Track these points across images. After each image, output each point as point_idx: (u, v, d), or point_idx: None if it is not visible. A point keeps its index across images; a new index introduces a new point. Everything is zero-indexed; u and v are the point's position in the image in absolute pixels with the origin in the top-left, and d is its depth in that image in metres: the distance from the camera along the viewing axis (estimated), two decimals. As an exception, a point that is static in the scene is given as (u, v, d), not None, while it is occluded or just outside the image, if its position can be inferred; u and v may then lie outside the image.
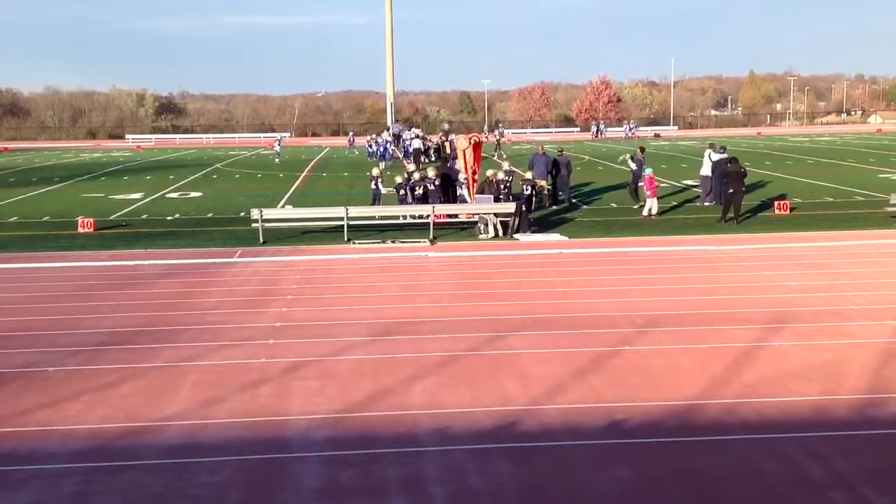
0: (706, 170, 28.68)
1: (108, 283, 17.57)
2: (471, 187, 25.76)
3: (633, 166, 28.84)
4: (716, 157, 28.08)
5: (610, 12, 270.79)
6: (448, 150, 42.89)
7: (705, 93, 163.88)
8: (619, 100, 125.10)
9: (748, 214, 25.63)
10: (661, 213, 26.12)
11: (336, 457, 8.79)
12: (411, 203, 25.06)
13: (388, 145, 52.13)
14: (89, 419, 9.89)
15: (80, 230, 24.58)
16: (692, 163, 45.30)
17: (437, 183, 25.35)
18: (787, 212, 25.99)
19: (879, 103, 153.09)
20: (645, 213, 26.00)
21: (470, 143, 25.83)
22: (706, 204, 28.26)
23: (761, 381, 10.84)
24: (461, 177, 25.92)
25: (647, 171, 26.59)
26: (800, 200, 28.82)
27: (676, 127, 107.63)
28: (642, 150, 30.35)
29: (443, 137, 43.57)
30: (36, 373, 11.66)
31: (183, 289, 16.96)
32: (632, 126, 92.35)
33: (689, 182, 34.48)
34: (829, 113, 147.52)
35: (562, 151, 30.55)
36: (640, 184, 28.24)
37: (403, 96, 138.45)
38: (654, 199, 26.06)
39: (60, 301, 15.99)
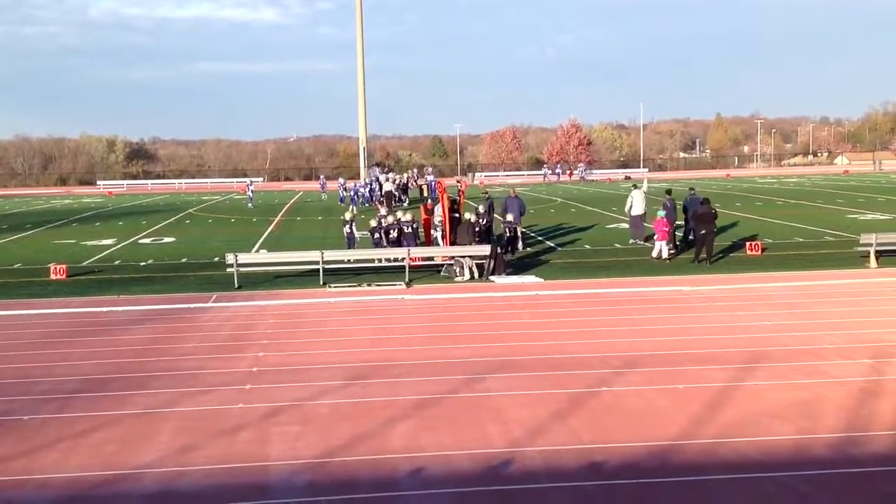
0: (636, 209, 29.37)
1: (82, 330, 17.41)
2: (446, 231, 25.88)
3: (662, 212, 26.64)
4: (639, 195, 29.25)
5: (579, 57, 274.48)
6: (426, 193, 43.17)
7: (673, 135, 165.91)
8: (589, 142, 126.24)
9: (720, 255, 25.88)
10: (670, 257, 25.59)
11: (317, 503, 8.72)
12: (386, 246, 25.11)
13: (359, 189, 51.95)
14: (66, 468, 9.76)
15: (53, 277, 24.37)
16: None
17: (413, 226, 25.45)
18: (759, 252, 26.28)
19: (845, 145, 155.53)
20: (654, 254, 25.59)
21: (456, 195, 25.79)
22: (637, 244, 29.09)
23: (738, 421, 10.90)
24: (436, 220, 25.99)
25: (660, 214, 25.98)
26: (771, 241, 29.15)
27: (647, 169, 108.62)
28: (668, 192, 28.63)
29: (417, 180, 43.90)
30: (10, 421, 11.50)
31: (157, 335, 16.83)
32: (583, 168, 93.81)
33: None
34: (795, 154, 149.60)
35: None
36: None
37: (375, 140, 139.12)
38: (663, 243, 25.61)
39: (33, 349, 15.81)
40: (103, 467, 9.74)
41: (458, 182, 26.57)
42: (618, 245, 29.54)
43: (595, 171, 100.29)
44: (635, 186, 30.52)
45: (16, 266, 27.57)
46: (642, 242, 29.09)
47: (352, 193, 50.44)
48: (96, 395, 12.69)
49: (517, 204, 28.65)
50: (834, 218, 37.13)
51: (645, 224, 29.71)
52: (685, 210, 28.13)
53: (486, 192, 31.68)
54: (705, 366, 13.50)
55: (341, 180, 52.93)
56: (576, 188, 69.17)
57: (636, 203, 29.44)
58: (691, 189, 30.41)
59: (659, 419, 11.02)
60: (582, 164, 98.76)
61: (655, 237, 25.99)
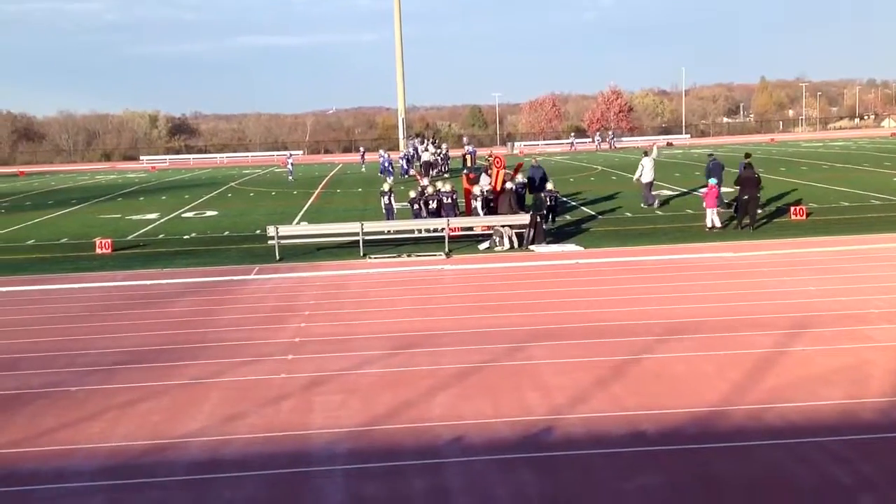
0: (647, 177, 30.12)
1: (127, 303, 17.65)
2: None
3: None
4: (649, 163, 30.01)
5: (618, 23, 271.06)
6: (469, 164, 43.00)
7: (717, 100, 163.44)
8: (630, 109, 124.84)
9: (764, 220, 25.53)
10: (724, 225, 24.74)
11: (359, 470, 8.79)
12: (425, 217, 25.08)
13: (394, 160, 51.45)
14: (112, 437, 9.92)
15: (98, 251, 24.71)
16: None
17: (453, 196, 25.36)
18: (804, 217, 25.89)
19: (892, 107, 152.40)
20: (708, 224, 24.53)
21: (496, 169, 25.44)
22: (652, 206, 30.28)
23: (784, 386, 10.78)
24: (476, 190, 25.68)
25: (711, 181, 25.22)
26: (815, 205, 28.70)
27: (689, 135, 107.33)
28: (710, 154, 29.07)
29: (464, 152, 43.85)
30: (57, 392, 11.71)
31: (201, 307, 17.02)
32: (610, 136, 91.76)
33: (703, 190, 34.36)
34: (841, 118, 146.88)
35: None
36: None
37: (414, 111, 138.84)
38: (714, 210, 24.68)
39: (79, 321, 16.07)
40: (149, 436, 9.89)
41: (489, 158, 26.26)
42: (658, 213, 29.27)
43: (624, 139, 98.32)
44: (645, 154, 30.95)
45: (62, 241, 27.99)
46: (655, 205, 30.24)
47: (387, 164, 50.25)
48: (141, 366, 12.87)
49: (540, 172, 28.62)
50: (880, 181, 36.44)
51: (698, 194, 29.47)
52: (707, 176, 27.78)
53: (535, 160, 31.55)
54: (750, 332, 13.35)
55: (381, 152, 52.87)
56: (617, 156, 68.54)
57: (646, 170, 30.09)
58: (711, 155, 30.13)
59: (703, 385, 10.94)
60: (609, 132, 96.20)
61: (706, 205, 25.03)
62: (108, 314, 16.64)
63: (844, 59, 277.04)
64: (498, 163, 25.28)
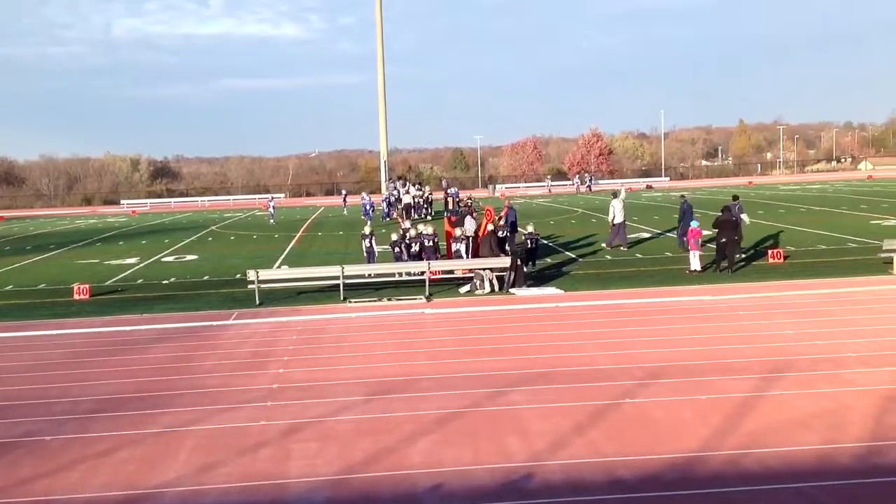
0: (618, 218, 30.74)
1: (104, 350, 17.51)
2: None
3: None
4: (619, 204, 30.66)
5: (599, 66, 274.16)
6: (450, 207, 43.13)
7: (695, 143, 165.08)
8: (610, 152, 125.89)
9: (742, 264, 25.69)
10: (703, 268, 24.79)
11: (336, 520, 8.71)
12: (406, 260, 25.12)
13: (373, 203, 51.54)
14: (88, 488, 9.80)
15: (76, 297, 24.56)
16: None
17: (434, 240, 25.43)
18: (782, 260, 26.07)
19: (869, 150, 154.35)
20: (693, 267, 24.64)
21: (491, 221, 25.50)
22: (611, 247, 30.89)
23: (763, 430, 10.79)
24: (458, 232, 25.74)
25: (694, 224, 25.29)
26: (793, 248, 28.92)
27: (668, 178, 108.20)
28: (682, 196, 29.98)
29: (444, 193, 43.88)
30: (33, 442, 11.58)
31: (179, 353, 16.91)
32: (588, 178, 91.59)
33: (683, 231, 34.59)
34: (819, 161, 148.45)
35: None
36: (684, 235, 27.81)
37: (397, 154, 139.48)
38: (697, 253, 24.79)
39: (56, 369, 15.92)
40: (124, 486, 9.77)
41: (470, 199, 26.52)
42: (639, 255, 29.41)
43: (602, 181, 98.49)
44: (614, 196, 31.57)
45: (40, 286, 27.79)
46: (611, 248, 30.98)
47: (368, 207, 50.46)
48: (118, 414, 12.75)
49: (513, 215, 28.79)
50: (857, 224, 36.79)
51: (671, 235, 29.78)
52: (680, 219, 29.14)
53: (509, 202, 31.79)
54: (728, 376, 13.39)
55: (363, 195, 53.00)
56: (597, 199, 68.93)
57: (617, 212, 30.70)
58: (682, 196, 31.35)
59: (682, 431, 10.93)
60: (587, 175, 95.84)
61: (689, 248, 25.12)
62: (85, 361, 16.51)
63: (821, 102, 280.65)
64: (488, 215, 25.44)
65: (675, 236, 30.45)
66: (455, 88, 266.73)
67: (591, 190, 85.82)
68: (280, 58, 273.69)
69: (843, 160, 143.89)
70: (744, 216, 27.63)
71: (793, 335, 16.14)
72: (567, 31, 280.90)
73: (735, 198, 27.67)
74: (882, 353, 14.44)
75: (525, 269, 24.14)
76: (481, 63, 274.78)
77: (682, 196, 31.84)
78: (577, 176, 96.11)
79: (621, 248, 30.69)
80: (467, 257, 25.01)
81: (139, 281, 28.25)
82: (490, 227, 24.82)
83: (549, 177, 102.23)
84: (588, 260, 28.98)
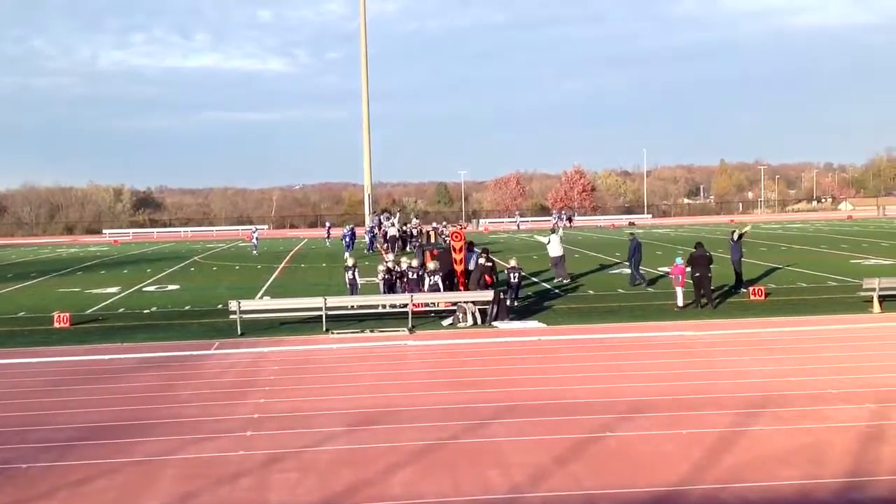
0: (554, 252, 32.19)
1: (84, 378, 17.40)
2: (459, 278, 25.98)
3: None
4: (556, 238, 32.43)
5: (582, 105, 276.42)
6: (433, 240, 43.25)
7: (677, 182, 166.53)
8: (593, 189, 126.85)
9: (718, 300, 25.81)
10: (685, 305, 24.76)
11: (315, 550, 8.65)
12: (386, 293, 25.13)
13: (352, 237, 51.67)
14: (63, 516, 9.70)
15: (56, 325, 24.40)
16: (667, 250, 45.82)
17: (419, 272, 25.48)
18: (763, 297, 26.23)
19: (849, 191, 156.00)
20: (680, 303, 24.69)
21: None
22: (563, 282, 31.67)
23: (743, 466, 10.82)
24: (431, 266, 25.79)
25: (678, 261, 25.31)
26: (774, 286, 29.11)
27: (651, 215, 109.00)
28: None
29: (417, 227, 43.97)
30: (10, 469, 11.46)
31: (160, 382, 16.81)
32: (563, 214, 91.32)
33: (664, 269, 34.76)
34: (799, 200, 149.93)
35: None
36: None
37: (381, 187, 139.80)
38: (681, 289, 24.86)
39: (35, 397, 15.80)
40: (102, 515, 9.68)
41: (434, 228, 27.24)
42: (620, 290, 29.52)
43: (580, 218, 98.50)
44: (553, 231, 33.16)
45: (20, 314, 27.61)
46: (567, 280, 31.82)
47: (348, 239, 50.65)
48: (97, 442, 12.65)
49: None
50: (837, 263, 37.12)
51: (665, 272, 30.60)
52: (630, 255, 30.49)
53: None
54: (709, 411, 13.43)
55: (346, 228, 53.07)
56: (580, 234, 69.24)
57: (553, 246, 32.01)
58: (631, 234, 32.61)
59: (662, 464, 10.95)
60: (562, 212, 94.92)
61: (676, 285, 25.11)
62: (65, 389, 16.39)
63: (802, 143, 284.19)
64: (456, 236, 25.52)
65: (633, 272, 30.82)
66: (440, 124, 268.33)
67: (566, 226, 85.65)
68: (266, 91, 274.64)
69: (823, 200, 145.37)
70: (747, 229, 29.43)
71: (773, 371, 16.22)
72: (549, 72, 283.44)
73: (631, 233, 30.93)
74: (861, 389, 14.54)
75: (508, 303, 24.20)
76: (466, 100, 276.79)
77: (632, 233, 32.88)
78: (556, 212, 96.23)
79: (563, 282, 31.54)
80: (443, 290, 25.06)
81: (120, 310, 28.11)
82: (481, 258, 24.90)
83: (518, 212, 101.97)
84: (570, 295, 29.07)
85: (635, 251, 30.49)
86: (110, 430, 13.28)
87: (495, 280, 25.28)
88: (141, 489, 10.53)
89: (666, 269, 33.83)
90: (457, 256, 26.14)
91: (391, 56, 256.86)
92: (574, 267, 38.48)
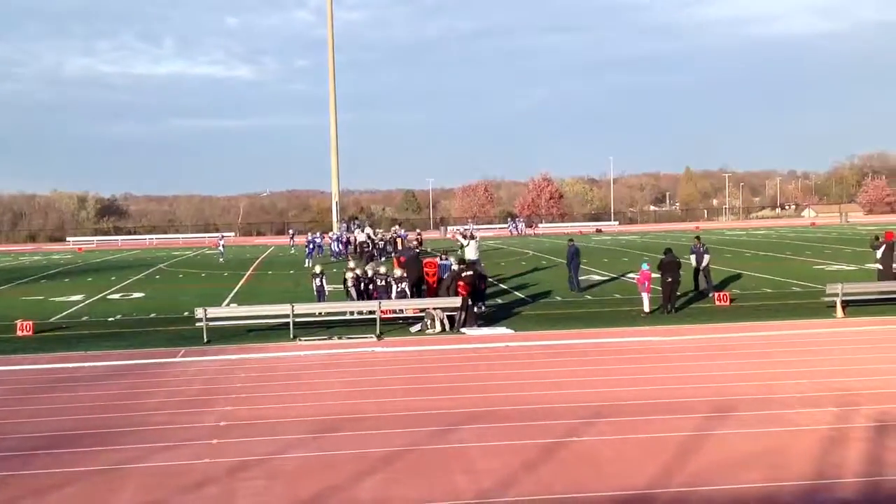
0: (471, 256, 31.75)
1: (48, 387, 17.19)
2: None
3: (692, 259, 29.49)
4: (473, 244, 32.84)
5: (549, 112, 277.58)
6: (399, 247, 43.22)
7: (644, 189, 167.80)
8: (560, 196, 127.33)
9: (682, 306, 26.02)
10: (651, 311, 24.90)
11: (282, 557, 8.61)
12: (355, 299, 25.06)
13: (316, 242, 51.73)
14: (26, 525, 9.58)
15: (19, 333, 24.09)
16: (633, 256, 46.11)
17: (387, 279, 25.39)
18: (727, 303, 26.47)
19: (812, 198, 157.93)
20: (646, 309, 24.82)
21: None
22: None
23: (708, 469, 10.91)
24: (397, 273, 25.70)
25: (643, 266, 25.41)
26: (739, 292, 29.40)
27: (617, 222, 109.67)
28: (698, 238, 30.72)
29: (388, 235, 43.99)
30: (-30, 479, 11.29)
31: (124, 390, 16.65)
32: (518, 222, 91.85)
33: (631, 275, 34.98)
34: (763, 207, 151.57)
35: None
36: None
37: (349, 195, 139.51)
38: (647, 295, 25.02)
39: (-3, 405, 15.58)
40: (65, 524, 9.57)
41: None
42: (588, 297, 29.67)
43: (546, 225, 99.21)
44: (469, 237, 34.03)
45: (-18, 322, 27.22)
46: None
47: (310, 247, 50.61)
48: (60, 451, 12.51)
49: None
50: (801, 269, 37.55)
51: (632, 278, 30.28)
52: (568, 262, 31.25)
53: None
54: (674, 415, 13.54)
55: (309, 234, 52.70)
56: (547, 241, 69.49)
57: (469, 250, 32.55)
58: (570, 240, 33.64)
59: (629, 469, 11.01)
60: (520, 218, 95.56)
61: (641, 290, 25.24)
62: (28, 397, 16.18)
63: (766, 151, 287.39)
64: (430, 265, 25.93)
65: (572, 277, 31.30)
66: (408, 131, 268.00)
67: (521, 233, 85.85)
68: (233, 98, 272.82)
69: (787, 207, 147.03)
70: (706, 256, 29.14)
71: (737, 375, 16.38)
72: (517, 80, 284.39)
73: (571, 239, 32.19)
74: (824, 393, 14.72)
75: (475, 310, 24.21)
76: (434, 107, 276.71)
77: (570, 240, 33.95)
78: (520, 219, 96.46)
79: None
80: (411, 297, 25.01)
81: (84, 318, 27.81)
82: (455, 268, 24.63)
83: (471, 220, 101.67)
84: (539, 301, 29.16)
85: (573, 257, 31.16)
86: (74, 439, 13.13)
87: (484, 289, 25.36)
88: (105, 498, 10.42)
89: (633, 275, 34.04)
90: (429, 277, 26.19)
91: (359, 64, 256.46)
92: (542, 274, 38.65)
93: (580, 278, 31.54)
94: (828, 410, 13.63)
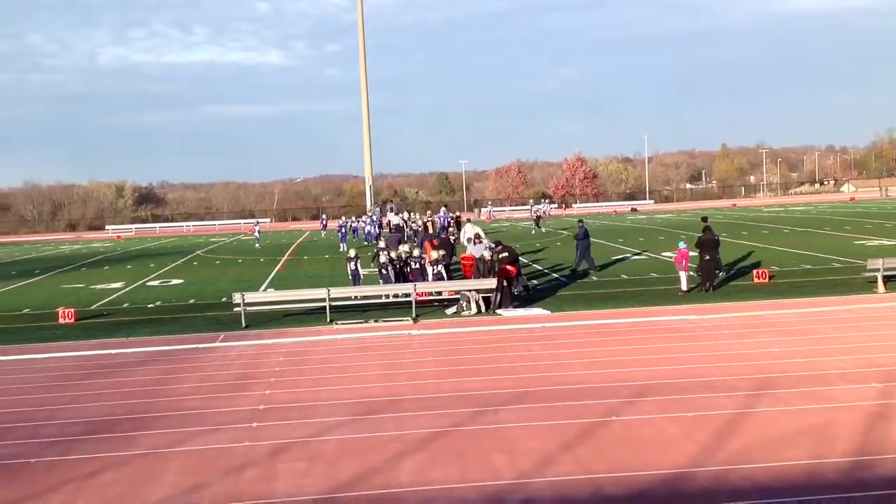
0: (469, 232, 31.75)
1: (90, 373, 17.41)
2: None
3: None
4: (471, 227, 33.00)
5: (582, 91, 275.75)
6: (431, 231, 43.19)
7: (679, 167, 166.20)
8: (594, 176, 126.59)
9: (721, 284, 25.77)
10: (689, 289, 24.69)
11: (324, 538, 8.66)
12: (392, 282, 25.11)
13: (352, 225, 52.02)
14: (71, 509, 9.71)
15: (61, 321, 24.42)
16: (670, 235, 45.76)
17: (421, 262, 25.45)
18: (766, 280, 26.19)
19: (851, 172, 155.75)
20: (684, 287, 24.68)
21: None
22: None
23: (749, 447, 10.81)
24: (434, 255, 25.72)
25: (680, 245, 25.23)
26: (778, 269, 29.08)
27: (653, 201, 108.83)
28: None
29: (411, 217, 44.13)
30: (17, 464, 11.48)
31: (165, 375, 16.83)
32: (543, 206, 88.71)
33: (668, 254, 34.72)
34: (802, 183, 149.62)
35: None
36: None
37: (382, 179, 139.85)
38: (685, 273, 24.83)
39: (41, 392, 15.81)
40: (110, 508, 9.69)
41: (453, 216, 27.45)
42: (624, 276, 29.49)
43: (580, 205, 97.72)
44: (468, 221, 34.59)
45: (24, 311, 27.63)
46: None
47: (343, 232, 50.81)
48: (103, 436, 12.67)
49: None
50: (841, 244, 37.05)
51: (669, 257, 30.81)
52: (580, 238, 30.93)
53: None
54: (715, 393, 13.42)
55: (342, 219, 52.86)
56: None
57: (468, 230, 33.08)
58: (580, 221, 33.47)
59: (669, 447, 10.94)
60: (545, 202, 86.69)
61: (679, 269, 25.02)
62: (71, 384, 16.40)
63: (803, 126, 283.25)
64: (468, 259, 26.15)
65: (649, 256, 30.88)
66: (440, 114, 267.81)
67: (548, 214, 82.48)
68: (265, 84, 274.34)
69: (826, 183, 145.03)
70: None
71: (778, 353, 16.20)
72: (548, 60, 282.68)
73: (580, 220, 31.72)
74: (866, 369, 14.52)
75: (512, 290, 24.15)
76: (465, 89, 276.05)
77: (580, 220, 34.02)
78: (546, 202, 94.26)
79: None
80: (447, 279, 25.01)
81: (125, 305, 28.13)
82: (486, 253, 24.54)
83: (489, 202, 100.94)
84: (575, 282, 29.03)
85: (584, 237, 30.97)
86: (117, 424, 13.29)
87: (519, 270, 25.12)
88: (148, 481, 10.54)
89: (669, 253, 33.78)
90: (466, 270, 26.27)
91: (390, 47, 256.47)
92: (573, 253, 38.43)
93: (591, 257, 31.11)
94: (871, 386, 13.44)
